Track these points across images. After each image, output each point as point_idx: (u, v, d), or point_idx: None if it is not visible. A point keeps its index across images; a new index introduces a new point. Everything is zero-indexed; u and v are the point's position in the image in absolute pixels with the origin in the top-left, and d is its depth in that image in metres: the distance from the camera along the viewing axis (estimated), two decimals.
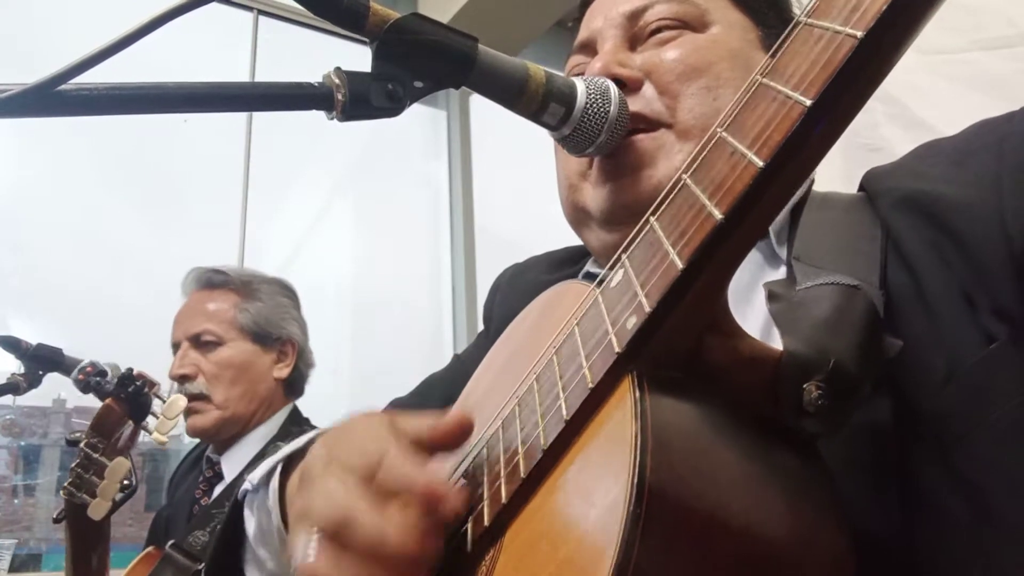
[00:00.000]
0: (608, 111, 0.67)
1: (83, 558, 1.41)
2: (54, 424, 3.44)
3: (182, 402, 1.47)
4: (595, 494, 0.38)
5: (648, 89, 0.71)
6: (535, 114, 0.67)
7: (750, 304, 0.62)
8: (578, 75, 0.71)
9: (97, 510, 1.34)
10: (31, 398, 1.55)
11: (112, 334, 2.89)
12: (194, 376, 1.76)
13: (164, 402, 1.45)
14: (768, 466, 0.40)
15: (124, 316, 3.02)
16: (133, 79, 0.55)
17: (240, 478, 0.75)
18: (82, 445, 1.37)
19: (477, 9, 3.51)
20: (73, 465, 1.38)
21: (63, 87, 0.52)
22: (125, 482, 1.35)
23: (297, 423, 1.87)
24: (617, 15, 0.75)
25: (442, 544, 0.45)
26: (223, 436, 1.79)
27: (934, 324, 0.52)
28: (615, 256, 0.47)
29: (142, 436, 1.44)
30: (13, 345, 1.47)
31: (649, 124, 0.70)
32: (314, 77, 0.60)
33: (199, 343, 1.80)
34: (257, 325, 1.84)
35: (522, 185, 3.81)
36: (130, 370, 1.41)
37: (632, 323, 0.41)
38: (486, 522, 0.46)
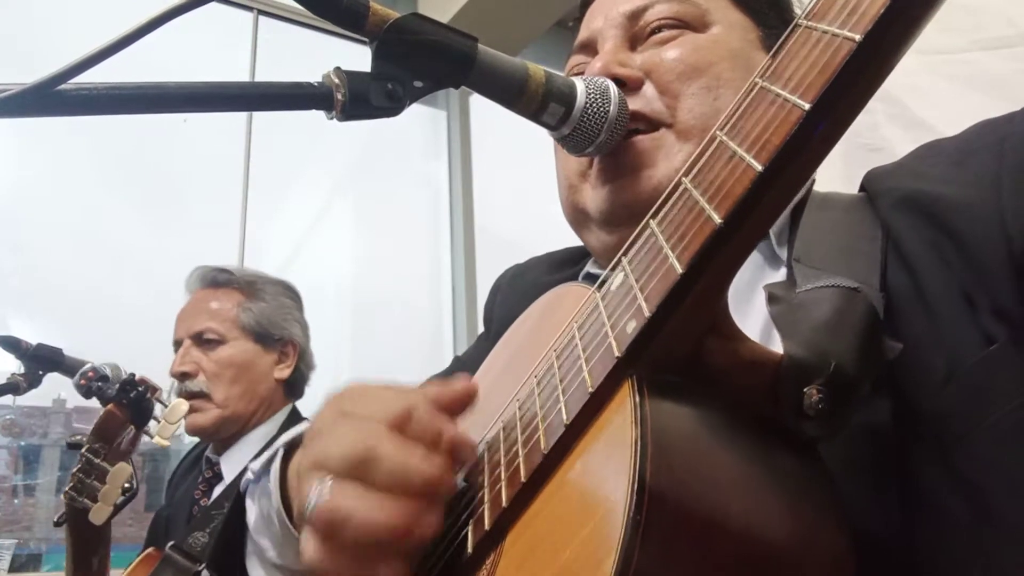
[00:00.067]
0: (608, 111, 0.67)
1: (84, 561, 1.40)
2: (54, 424, 3.44)
3: (184, 407, 1.46)
4: (595, 499, 0.38)
5: (648, 89, 0.71)
6: (535, 114, 0.67)
7: (750, 305, 0.62)
8: (578, 75, 0.71)
9: (99, 515, 1.34)
10: (31, 398, 1.55)
11: (112, 334, 2.89)
12: (195, 374, 1.76)
13: (166, 407, 1.45)
14: (768, 468, 0.40)
15: (124, 316, 3.03)
16: (133, 79, 0.55)
17: (239, 479, 0.75)
18: (84, 450, 1.37)
19: (477, 9, 3.51)
20: (74, 470, 1.38)
21: (63, 87, 0.52)
22: (126, 486, 1.34)
23: (297, 424, 1.86)
24: (617, 15, 0.75)
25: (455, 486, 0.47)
26: (222, 435, 1.78)
27: (934, 324, 0.52)
28: (615, 258, 0.47)
29: (143, 439, 1.44)
30: (13, 345, 1.47)
31: (649, 124, 0.70)
32: (314, 77, 0.60)
33: (201, 341, 1.80)
34: (259, 325, 1.84)
35: (522, 185, 3.81)
36: (132, 375, 1.41)
37: (632, 327, 0.41)
38: (487, 525, 0.46)
